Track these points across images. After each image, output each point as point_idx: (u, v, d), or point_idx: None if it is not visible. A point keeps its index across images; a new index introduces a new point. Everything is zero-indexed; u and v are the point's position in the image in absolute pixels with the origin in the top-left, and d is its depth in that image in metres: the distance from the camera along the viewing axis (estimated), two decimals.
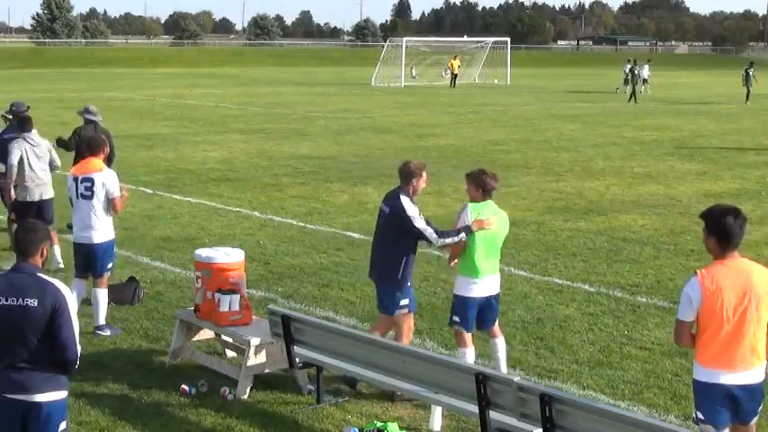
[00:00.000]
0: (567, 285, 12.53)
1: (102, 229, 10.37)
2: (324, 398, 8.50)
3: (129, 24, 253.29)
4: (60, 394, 5.69)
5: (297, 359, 8.51)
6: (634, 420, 6.33)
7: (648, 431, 6.15)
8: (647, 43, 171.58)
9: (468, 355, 8.65)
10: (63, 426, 5.73)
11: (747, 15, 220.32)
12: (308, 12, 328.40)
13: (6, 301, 5.55)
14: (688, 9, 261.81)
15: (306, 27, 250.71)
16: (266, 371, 8.83)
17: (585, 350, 9.96)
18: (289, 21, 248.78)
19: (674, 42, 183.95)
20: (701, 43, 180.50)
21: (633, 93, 48.50)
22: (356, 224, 16.21)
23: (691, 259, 14.05)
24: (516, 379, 6.94)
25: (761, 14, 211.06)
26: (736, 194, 19.49)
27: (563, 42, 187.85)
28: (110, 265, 10.59)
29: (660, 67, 47.83)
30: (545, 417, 6.54)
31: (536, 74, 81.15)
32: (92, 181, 10.28)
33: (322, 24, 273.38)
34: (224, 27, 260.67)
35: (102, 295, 10.40)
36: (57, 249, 12.85)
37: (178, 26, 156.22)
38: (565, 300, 11.86)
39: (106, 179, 10.36)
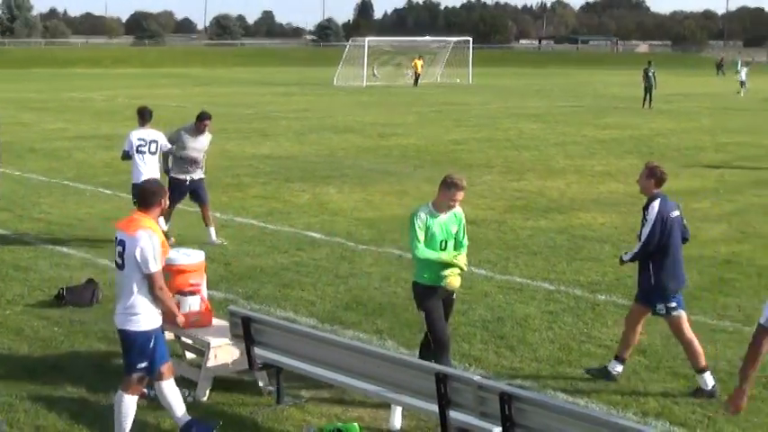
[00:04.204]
0: (528, 284, 12.57)
1: None
2: (284, 399, 8.47)
3: (90, 24, 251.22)
4: None
5: (257, 360, 8.48)
6: (593, 418, 6.36)
7: (607, 428, 6.17)
8: (608, 42, 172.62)
9: None
10: None
11: (707, 15, 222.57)
12: (271, 12, 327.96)
13: None
14: (648, 8, 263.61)
15: (268, 27, 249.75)
16: (226, 372, 8.79)
17: (545, 348, 9.99)
18: (251, 20, 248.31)
19: (634, 41, 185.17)
20: (660, 42, 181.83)
21: (647, 97, 43.58)
22: (317, 224, 16.18)
23: None
24: (476, 378, 6.95)
25: (720, 13, 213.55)
26: (694, 192, 19.65)
27: (525, 41, 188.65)
28: None
29: (624, 67, 47.92)
30: (504, 415, 6.56)
31: (498, 73, 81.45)
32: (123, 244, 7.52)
33: (284, 24, 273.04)
34: (186, 27, 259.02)
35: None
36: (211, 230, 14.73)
37: (139, 26, 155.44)
38: (525, 298, 11.89)
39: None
